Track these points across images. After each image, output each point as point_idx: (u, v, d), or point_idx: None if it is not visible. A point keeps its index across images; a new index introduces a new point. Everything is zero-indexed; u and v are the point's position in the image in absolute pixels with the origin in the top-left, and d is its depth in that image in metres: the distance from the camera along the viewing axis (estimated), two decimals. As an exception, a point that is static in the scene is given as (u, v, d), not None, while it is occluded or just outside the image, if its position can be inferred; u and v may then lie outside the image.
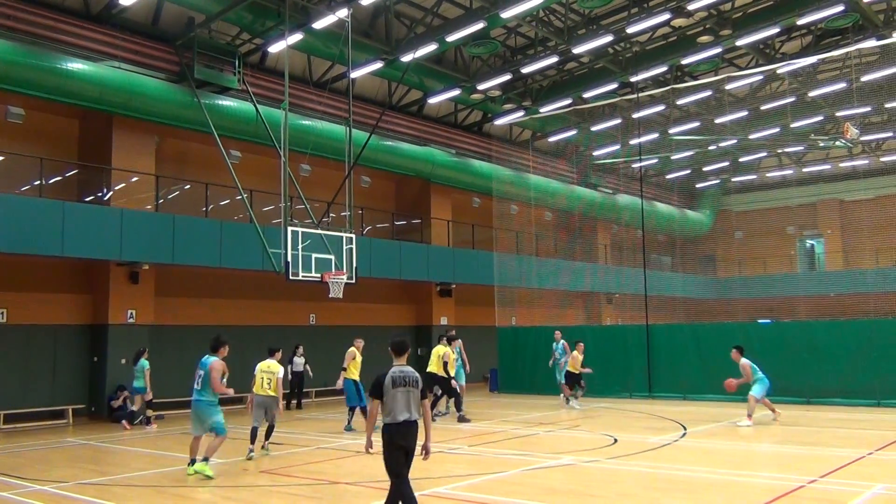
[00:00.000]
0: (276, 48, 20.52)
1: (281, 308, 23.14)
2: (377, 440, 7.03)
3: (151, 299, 19.90)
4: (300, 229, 16.90)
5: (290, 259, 16.56)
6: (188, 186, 21.54)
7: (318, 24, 18.82)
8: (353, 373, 15.41)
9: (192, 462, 10.65)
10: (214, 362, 10.73)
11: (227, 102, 20.80)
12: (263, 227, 19.35)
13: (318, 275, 17.21)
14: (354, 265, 17.80)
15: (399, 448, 6.83)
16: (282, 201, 17.21)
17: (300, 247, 16.72)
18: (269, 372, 12.59)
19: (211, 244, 19.30)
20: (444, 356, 16.85)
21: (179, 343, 20.75)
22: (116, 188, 19.49)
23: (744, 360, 15.77)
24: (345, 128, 19.51)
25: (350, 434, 14.94)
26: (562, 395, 20.28)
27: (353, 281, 17.80)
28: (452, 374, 16.92)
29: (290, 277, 16.66)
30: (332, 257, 17.50)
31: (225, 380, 10.93)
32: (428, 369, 16.93)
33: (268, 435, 12.73)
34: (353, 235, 18.01)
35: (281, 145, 17.79)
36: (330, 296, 17.46)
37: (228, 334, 20.10)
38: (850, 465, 10.63)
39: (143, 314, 19.59)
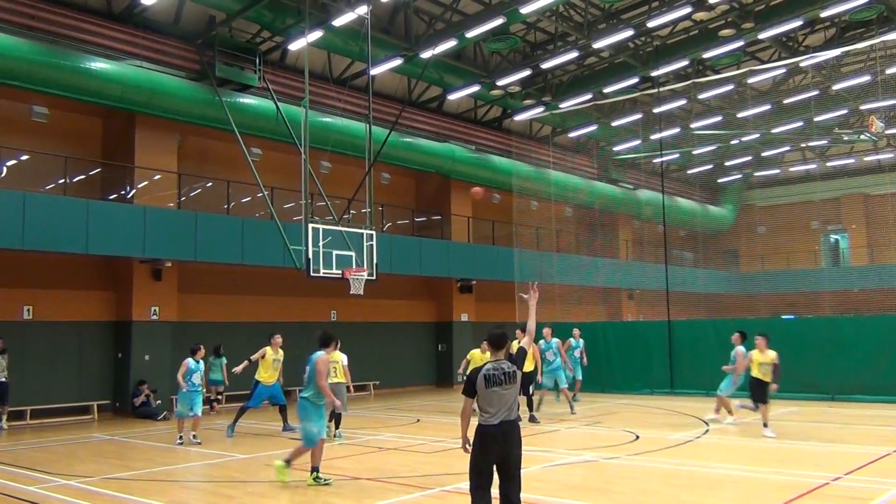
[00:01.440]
0: (296, 46, 20.59)
1: (302, 304, 23.26)
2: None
3: (174, 296, 20.08)
4: (321, 226, 16.94)
5: (310, 256, 16.60)
6: (210, 184, 21.69)
7: (338, 22, 18.87)
8: (261, 372, 14.77)
9: (315, 469, 9.79)
10: (321, 356, 10.06)
11: (247, 100, 20.92)
12: (284, 224, 19.44)
13: (339, 271, 17.24)
14: (375, 262, 17.83)
15: (491, 455, 6.17)
16: (302, 198, 17.26)
17: (321, 243, 16.76)
18: (333, 361, 13.26)
19: (233, 241, 19.44)
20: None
21: (202, 339, 20.80)
22: (139, 186, 19.67)
23: (741, 349, 14.76)
24: (365, 125, 19.55)
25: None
26: (562, 395, 18.10)
27: (374, 278, 17.84)
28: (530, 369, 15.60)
29: (311, 274, 16.71)
30: (353, 254, 17.54)
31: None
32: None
33: (337, 422, 14.06)
34: (374, 232, 18.03)
35: (301, 142, 17.84)
36: (351, 292, 17.50)
37: (249, 331, 20.41)
38: (874, 463, 10.53)
39: (166, 311, 19.78)
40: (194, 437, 13.75)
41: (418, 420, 17.09)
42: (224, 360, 18.49)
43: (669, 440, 12.97)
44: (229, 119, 19.90)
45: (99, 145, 20.43)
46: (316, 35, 19.10)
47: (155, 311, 19.55)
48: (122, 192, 19.67)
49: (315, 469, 9.76)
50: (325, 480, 9.68)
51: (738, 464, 10.64)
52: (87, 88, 17.94)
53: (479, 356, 16.35)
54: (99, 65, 18.05)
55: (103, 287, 19.70)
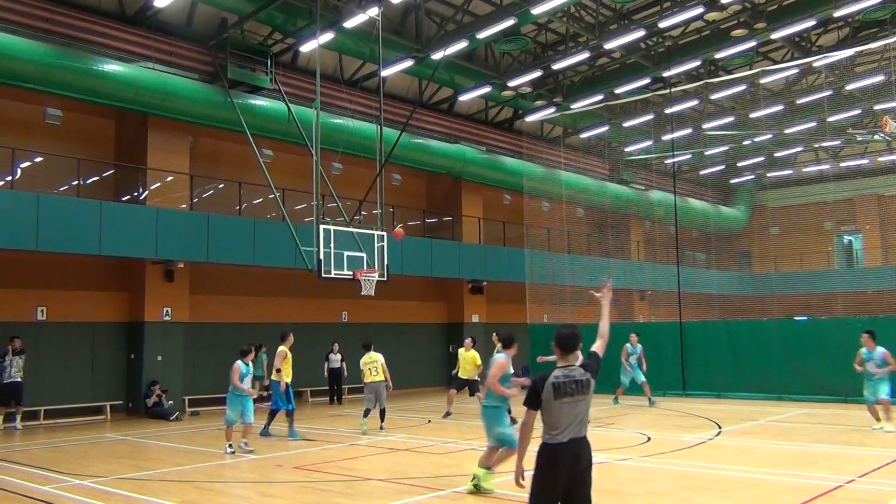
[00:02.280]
0: (307, 47, 20.65)
1: (313, 305, 23.31)
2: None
3: (186, 297, 20.17)
4: (332, 227, 16.98)
5: (322, 257, 16.64)
6: (222, 185, 21.78)
7: (349, 23, 18.91)
8: (287, 373, 14.46)
9: (485, 469, 9.14)
10: (499, 358, 9.66)
11: (259, 102, 20.99)
12: (296, 225, 19.50)
13: (350, 273, 17.29)
14: (386, 263, 17.85)
15: (558, 480, 5.22)
16: (314, 200, 17.31)
17: (332, 245, 16.79)
18: (372, 362, 15.01)
19: (244, 242, 19.52)
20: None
21: (214, 340, 21.02)
22: (152, 188, 19.79)
23: (883, 349, 13.77)
24: (376, 126, 19.58)
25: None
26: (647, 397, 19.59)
27: (385, 279, 17.86)
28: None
29: (323, 275, 16.76)
30: (364, 255, 17.57)
31: (510, 384, 9.56)
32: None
33: (382, 416, 15.20)
34: (385, 233, 18.06)
35: (313, 144, 17.90)
36: (362, 293, 17.54)
37: (261, 332, 20.49)
38: (888, 465, 10.45)
39: (178, 312, 19.87)
40: (245, 444, 12.63)
41: (429, 421, 17.10)
42: (264, 358, 19.10)
43: (682, 442, 12.92)
44: (241, 121, 19.98)
45: (112, 147, 20.55)
46: (327, 37, 19.14)
47: (167, 311, 19.64)
48: (135, 194, 19.77)
49: (485, 469, 9.17)
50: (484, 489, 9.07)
51: (751, 466, 10.58)
52: (101, 90, 18.05)
53: (463, 354, 17.22)
54: (112, 67, 18.16)
55: (116, 288, 19.81)
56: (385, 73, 21.28)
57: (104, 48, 18.56)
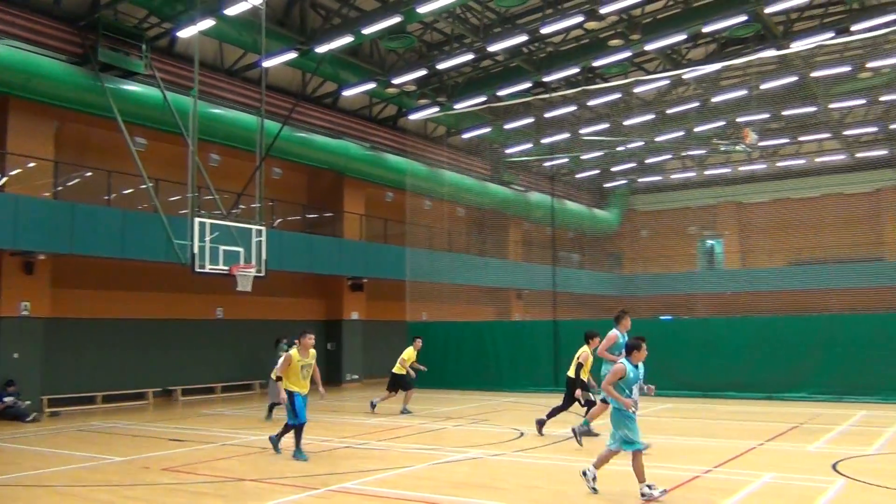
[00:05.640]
0: (186, 33, 19.91)
1: (186, 301, 22.54)
2: None
3: (47, 291, 19.07)
4: (208, 220, 16.50)
5: (196, 251, 16.15)
6: (89, 174, 20.69)
7: (231, 11, 18.36)
8: (294, 382, 11.84)
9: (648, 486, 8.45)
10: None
11: (132, 87, 20.08)
12: (169, 217, 18.80)
13: (226, 267, 16.86)
14: (264, 258, 17.51)
15: None
16: (189, 191, 16.75)
17: (208, 238, 16.33)
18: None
19: (113, 234, 18.64)
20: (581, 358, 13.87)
21: (78, 337, 20.00)
22: (11, 174, 18.59)
23: None
24: (256, 118, 19.14)
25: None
26: None
27: (263, 274, 17.52)
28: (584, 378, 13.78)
29: (197, 270, 16.26)
30: (241, 250, 17.16)
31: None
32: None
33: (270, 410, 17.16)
34: (263, 228, 17.71)
35: (189, 133, 17.30)
36: (238, 289, 17.16)
37: (130, 328, 19.60)
38: (741, 456, 11.15)
39: (38, 306, 18.74)
40: (650, 487, 8.64)
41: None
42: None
43: (554, 436, 13.31)
44: (112, 106, 19.07)
45: (-33, 129, 19.16)
46: (207, 23, 18.53)
47: (25, 306, 18.49)
48: (-8, 180, 18.54)
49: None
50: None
51: (617, 459, 10.98)
52: (-46, 67, 16.80)
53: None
54: (-32, 43, 16.94)
55: (-32, 280, 18.49)
56: (267, 63, 20.84)
57: (-41, 22, 17.29)
